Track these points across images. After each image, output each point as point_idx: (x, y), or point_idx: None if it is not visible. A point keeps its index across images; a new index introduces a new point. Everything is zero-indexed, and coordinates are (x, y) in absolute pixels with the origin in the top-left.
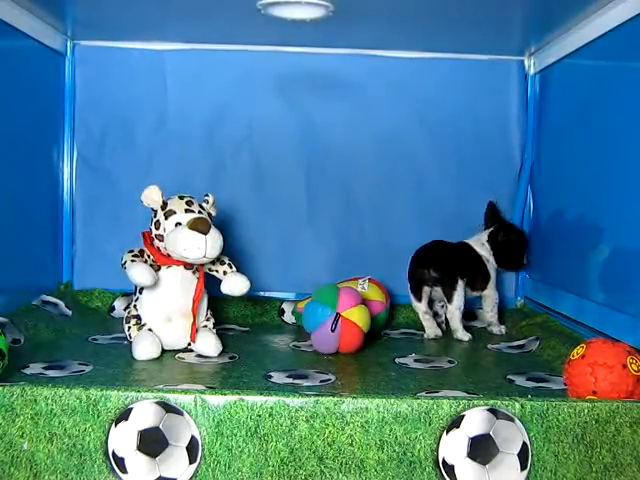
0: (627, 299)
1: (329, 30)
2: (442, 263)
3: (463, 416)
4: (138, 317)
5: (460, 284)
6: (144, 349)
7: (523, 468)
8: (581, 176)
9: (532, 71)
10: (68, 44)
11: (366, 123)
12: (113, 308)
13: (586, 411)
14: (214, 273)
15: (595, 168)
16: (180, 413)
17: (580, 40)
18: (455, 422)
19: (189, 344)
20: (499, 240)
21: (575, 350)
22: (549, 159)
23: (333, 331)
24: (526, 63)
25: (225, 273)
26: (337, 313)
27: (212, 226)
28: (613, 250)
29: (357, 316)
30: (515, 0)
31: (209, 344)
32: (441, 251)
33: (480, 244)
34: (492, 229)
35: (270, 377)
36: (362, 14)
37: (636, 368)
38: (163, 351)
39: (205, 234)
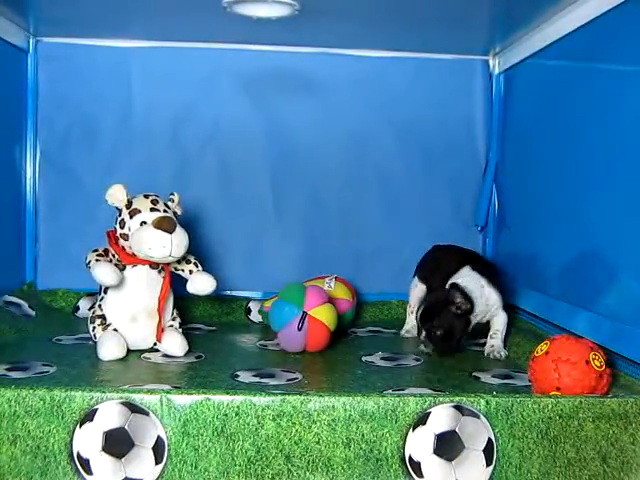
0: (590, 296)
1: (296, 29)
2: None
3: (429, 413)
4: (103, 317)
5: (414, 282)
6: (109, 349)
7: (488, 464)
8: (545, 174)
9: (497, 71)
10: (30, 41)
11: (333, 122)
12: (77, 308)
13: (550, 407)
14: (180, 272)
15: (559, 166)
16: (146, 413)
17: (544, 40)
18: (421, 419)
19: (155, 344)
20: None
21: (539, 347)
22: (513, 158)
23: (300, 330)
24: (491, 63)
25: (191, 272)
26: (304, 312)
27: (178, 225)
28: (576, 248)
29: (324, 315)
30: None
31: (175, 344)
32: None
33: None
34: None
35: (237, 376)
36: (328, 13)
37: (598, 364)
38: (128, 351)
39: (170, 233)
